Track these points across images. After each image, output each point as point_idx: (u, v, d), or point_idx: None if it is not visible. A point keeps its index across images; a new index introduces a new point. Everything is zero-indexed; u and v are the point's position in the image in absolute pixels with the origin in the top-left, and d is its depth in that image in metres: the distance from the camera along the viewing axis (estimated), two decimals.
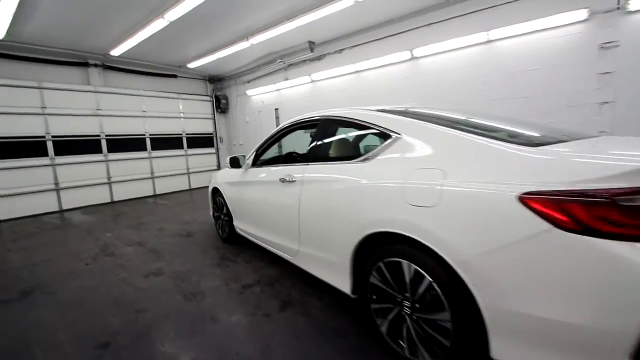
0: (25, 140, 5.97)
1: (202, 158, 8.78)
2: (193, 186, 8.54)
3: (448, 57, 5.14)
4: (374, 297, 1.65)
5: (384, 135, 1.73)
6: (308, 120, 2.43)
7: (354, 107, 2.11)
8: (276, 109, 7.94)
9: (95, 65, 6.91)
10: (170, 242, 3.82)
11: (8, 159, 5.78)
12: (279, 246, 2.47)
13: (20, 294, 2.64)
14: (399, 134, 1.63)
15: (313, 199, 2.01)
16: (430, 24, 5.18)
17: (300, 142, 3.46)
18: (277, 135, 2.77)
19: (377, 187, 1.57)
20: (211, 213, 3.94)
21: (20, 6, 4.24)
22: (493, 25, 4.61)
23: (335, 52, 6.46)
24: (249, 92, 8.30)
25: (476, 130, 1.47)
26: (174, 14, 4.64)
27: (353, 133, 2.28)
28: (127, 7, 4.62)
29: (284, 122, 2.73)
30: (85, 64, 6.79)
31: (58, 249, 3.84)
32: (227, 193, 3.28)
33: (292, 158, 3.21)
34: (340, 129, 2.24)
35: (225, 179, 3.37)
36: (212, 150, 9.11)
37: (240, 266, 2.94)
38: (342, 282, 1.84)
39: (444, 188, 1.29)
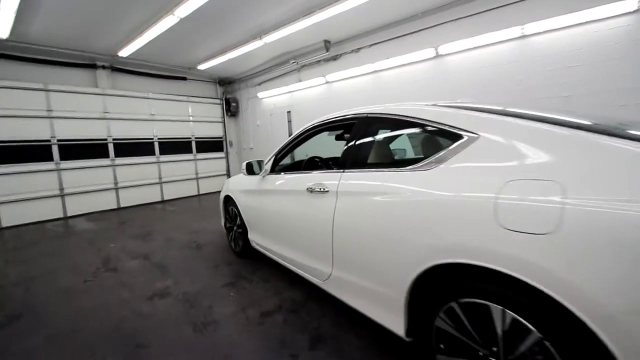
0: (30, 144, 5.73)
1: (211, 163, 8.49)
2: (202, 192, 8.24)
3: (477, 54, 4.75)
4: (442, 346, 1.27)
5: (450, 136, 1.35)
6: (339, 120, 2.07)
7: (400, 103, 1.75)
8: (288, 112, 7.62)
9: (103, 67, 6.68)
10: (178, 255, 3.48)
11: (12, 164, 5.54)
12: (305, 267, 2.10)
13: (8, 318, 2.32)
14: (475, 133, 1.25)
15: (353, 213, 1.64)
16: (457, 19, 4.81)
17: (322, 146, 3.12)
18: (300, 137, 2.42)
19: (452, 202, 1.19)
20: (223, 223, 3.60)
21: (23, 2, 4.00)
22: (528, 19, 4.22)
23: (352, 51, 6.12)
24: (260, 94, 8.01)
25: (589, 128, 1.09)
26: (184, 10, 4.36)
27: (403, 133, 1.91)
28: (136, 3, 4.35)
29: (308, 123, 2.37)
30: (93, 66, 6.56)
31: (58, 261, 3.53)
32: (242, 202, 2.93)
33: (314, 164, 2.85)
34: (382, 129, 1.88)
35: (239, 186, 3.02)
36: (222, 154, 8.82)
37: (257, 287, 2.57)
38: (392, 320, 1.46)
39: (566, 207, 0.91)
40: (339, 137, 2.76)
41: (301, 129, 2.43)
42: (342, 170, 1.82)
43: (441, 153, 1.34)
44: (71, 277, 3.02)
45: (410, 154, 2.19)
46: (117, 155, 6.79)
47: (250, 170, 2.61)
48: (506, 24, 4.38)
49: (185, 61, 7.00)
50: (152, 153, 7.33)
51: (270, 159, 2.62)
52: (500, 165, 1.11)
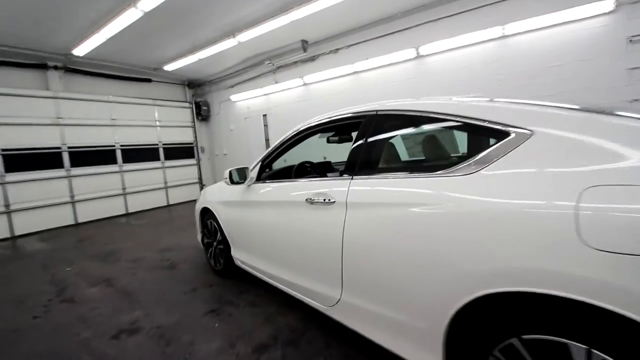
0: None
1: (181, 170, 7.92)
2: (172, 202, 7.65)
3: (459, 54, 4.71)
4: None
5: (491, 133, 1.14)
6: (340, 120, 1.81)
7: (423, 98, 1.52)
8: (264, 116, 7.27)
9: (56, 68, 6.01)
10: (148, 278, 3.05)
11: None
12: (304, 290, 1.80)
13: None
14: (526, 129, 1.04)
15: (371, 229, 1.37)
16: (438, 18, 4.74)
17: (310, 149, 2.84)
18: (292, 140, 2.13)
19: (513, 215, 0.95)
20: (199, 238, 3.21)
21: None
22: (509, 19, 4.22)
23: (331, 52, 5.92)
24: (233, 97, 7.60)
25: None
26: (148, 3, 3.93)
27: (424, 132, 1.68)
28: None
29: (301, 124, 2.09)
30: (44, 66, 5.87)
31: (1, 292, 2.97)
32: (223, 215, 2.58)
33: (305, 170, 2.57)
34: (397, 128, 1.64)
35: (219, 197, 2.67)
36: (193, 161, 8.27)
37: (245, 313, 2.24)
38: (425, 358, 1.21)
39: None
40: (332, 140, 2.51)
41: (292, 130, 2.15)
42: (350, 177, 1.55)
43: (481, 155, 1.11)
44: (18, 313, 2.52)
45: (423, 156, 1.96)
46: (73, 164, 6.10)
47: (235, 179, 2.27)
48: (487, 24, 4.36)
49: (150, 61, 6.46)
50: (114, 161, 6.69)
51: (255, 166, 2.31)
52: (572, 169, 0.90)
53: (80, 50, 5.44)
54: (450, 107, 1.30)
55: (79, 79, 6.35)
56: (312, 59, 6.16)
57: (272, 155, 2.25)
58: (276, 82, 6.75)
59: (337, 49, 5.83)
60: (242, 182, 2.25)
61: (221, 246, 2.73)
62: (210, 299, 2.48)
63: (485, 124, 1.15)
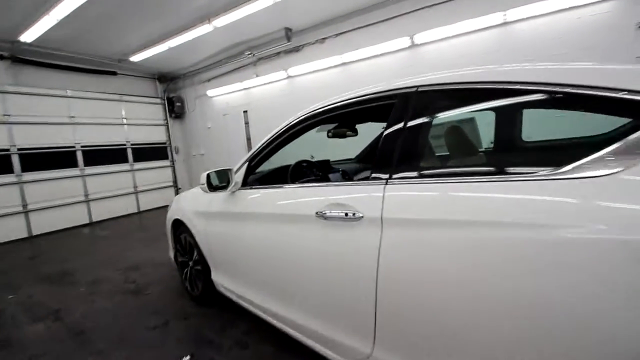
0: None
1: (153, 173, 7.22)
2: (143, 208, 6.94)
3: (457, 42, 4.37)
4: None
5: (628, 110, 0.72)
6: (358, 102, 1.36)
7: (474, 67, 1.09)
8: (245, 112, 6.71)
9: (1, 58, 5.20)
10: (108, 308, 2.48)
11: None
12: (318, 336, 1.33)
13: None
14: None
15: (425, 259, 0.93)
16: (434, 4, 4.38)
17: (293, 149, 2.38)
18: (287, 134, 1.65)
19: None
20: (172, 255, 2.66)
21: None
22: (511, 5, 3.92)
23: (317, 41, 5.45)
24: (210, 92, 6.98)
25: None
26: None
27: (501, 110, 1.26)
28: None
29: (300, 112, 1.62)
30: None
31: None
32: (200, 230, 2.07)
33: (301, 172, 2.10)
34: (454, 108, 1.20)
35: (195, 206, 2.15)
36: (167, 162, 7.58)
37: (232, 358, 1.74)
38: None
39: None
40: (335, 133, 2.06)
41: (287, 122, 1.67)
42: (383, 180, 1.10)
43: (626, 142, 0.69)
44: None
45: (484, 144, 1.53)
46: (25, 169, 5.32)
47: (214, 184, 1.75)
48: (487, 10, 4.04)
49: (113, 51, 5.75)
50: (74, 164, 5.93)
51: (241, 168, 1.81)
52: None
53: (29, 36, 4.70)
54: (552, 74, 0.88)
55: (30, 71, 5.55)
56: (297, 49, 5.67)
57: (262, 154, 1.77)
58: (257, 76, 6.21)
59: (324, 38, 5.37)
60: (225, 188, 1.74)
61: (198, 267, 2.21)
62: (186, 337, 1.96)
63: (622, 96, 0.73)
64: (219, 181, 1.76)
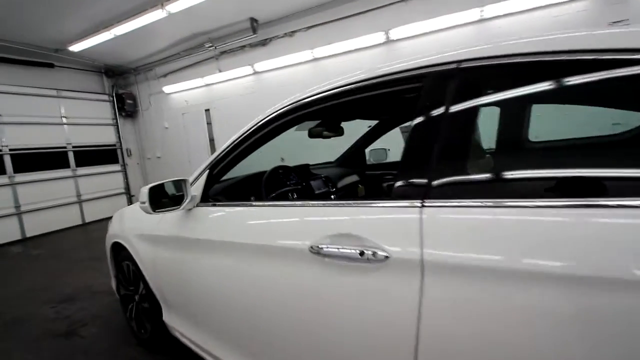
0: None
1: (101, 179, 6.37)
2: (89, 219, 6.09)
3: (433, 39, 4.18)
4: None
5: None
6: (363, 88, 0.98)
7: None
8: (207, 111, 6.13)
9: None
10: (28, 359, 1.90)
11: None
12: None
13: None
14: None
15: (499, 330, 0.58)
16: None
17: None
18: (261, 132, 1.24)
19: None
20: (114, 286, 2.13)
21: None
22: (488, 1, 3.80)
23: (286, 35, 5.05)
24: (166, 88, 6.30)
25: None
26: None
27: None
28: None
29: (280, 103, 1.22)
30: None
31: None
32: (146, 258, 1.58)
33: (279, 181, 1.70)
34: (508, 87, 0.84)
35: (138, 227, 1.66)
36: (117, 167, 6.75)
37: None
38: None
39: None
40: (320, 132, 1.69)
41: (262, 116, 1.26)
42: (416, 200, 0.73)
43: None
44: None
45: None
46: None
47: (159, 200, 1.29)
48: (464, 5, 3.89)
49: (48, 38, 4.93)
50: (2, 171, 5.01)
51: (199, 177, 1.37)
52: None
53: None
54: None
55: None
56: (264, 43, 5.22)
57: (228, 159, 1.34)
58: (220, 71, 5.67)
59: (294, 32, 4.98)
60: (177, 206, 1.29)
61: (146, 304, 1.72)
62: None
63: None
64: (169, 196, 1.30)
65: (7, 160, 5.07)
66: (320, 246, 0.83)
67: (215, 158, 1.37)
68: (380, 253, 0.73)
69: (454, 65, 0.77)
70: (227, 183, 1.65)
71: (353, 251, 0.76)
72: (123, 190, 6.81)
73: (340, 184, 2.18)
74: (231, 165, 1.39)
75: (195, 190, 1.37)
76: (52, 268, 3.65)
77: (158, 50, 5.74)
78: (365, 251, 0.74)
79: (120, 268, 1.94)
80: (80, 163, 6.01)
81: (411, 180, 0.76)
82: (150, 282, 1.60)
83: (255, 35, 5.04)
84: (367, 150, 2.55)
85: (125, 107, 6.65)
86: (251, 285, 1.06)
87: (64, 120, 5.85)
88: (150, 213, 1.21)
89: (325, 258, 0.82)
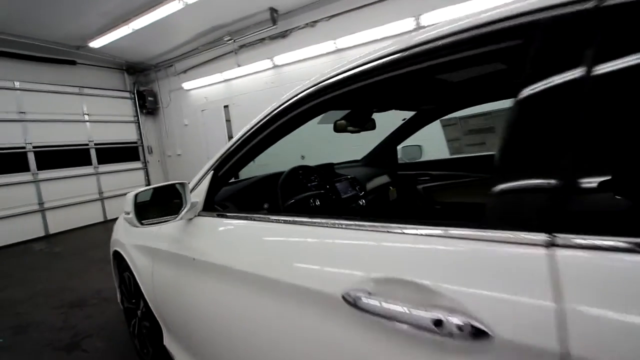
0: None
1: (122, 176, 6.37)
2: (111, 216, 6.10)
3: None
4: None
5: None
6: (423, 53, 0.65)
7: None
8: (226, 107, 5.97)
9: None
10: None
11: None
12: None
13: None
14: None
15: None
16: None
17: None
18: (278, 122, 0.97)
19: None
20: (118, 297, 1.94)
21: None
22: None
23: (307, 25, 4.77)
24: (185, 85, 6.19)
25: None
26: None
27: None
28: None
29: (302, 85, 0.94)
30: None
31: None
32: (144, 273, 1.36)
33: (300, 184, 1.43)
34: None
35: (135, 236, 1.43)
36: (138, 164, 6.74)
37: None
38: None
39: None
40: (341, 126, 1.41)
41: (278, 103, 0.99)
42: (543, 236, 0.41)
43: None
44: None
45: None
46: None
47: (150, 209, 1.03)
48: None
49: (69, 34, 4.90)
50: (26, 168, 5.06)
51: (202, 179, 1.13)
52: None
53: None
54: None
55: None
56: (284, 34, 4.97)
57: (236, 158, 1.08)
58: (239, 65, 5.48)
59: (315, 22, 4.70)
60: (170, 217, 1.04)
61: (147, 323, 1.51)
62: None
63: None
64: (162, 205, 1.06)
65: (31, 157, 5.11)
66: (358, 295, 0.54)
67: (221, 156, 1.11)
68: (476, 325, 0.43)
69: (591, 4, 0.46)
70: (237, 186, 1.40)
71: (421, 314, 0.47)
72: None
73: (369, 186, 1.88)
74: (241, 164, 1.12)
75: (197, 195, 1.12)
76: (69, 267, 3.58)
77: (177, 45, 5.62)
78: (444, 319, 0.44)
79: (122, 279, 1.74)
80: (102, 160, 6.02)
81: (526, 197, 0.46)
82: (149, 300, 1.37)
83: (275, 27, 4.80)
84: (399, 148, 2.23)
85: (147, 104, 6.61)
86: (262, 327, 0.79)
87: (86, 117, 5.87)
88: (137, 226, 0.97)
89: (366, 314, 0.54)
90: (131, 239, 1.48)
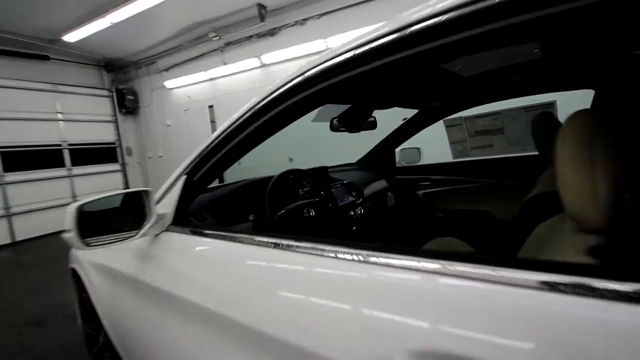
0: None
1: (98, 179, 6.00)
2: None
3: None
4: None
5: None
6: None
7: None
8: (210, 107, 5.72)
9: None
10: None
11: None
12: None
13: None
14: None
15: None
16: None
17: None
18: (266, 117, 0.78)
19: None
20: (79, 322, 1.69)
21: None
22: None
23: (297, 23, 4.60)
24: (168, 83, 5.90)
25: None
26: None
27: None
28: None
29: (300, 68, 0.76)
30: None
31: None
32: (103, 298, 1.13)
33: (292, 189, 1.24)
34: None
35: (95, 252, 1.21)
36: (116, 166, 6.38)
37: None
38: None
39: None
40: (338, 125, 1.24)
41: (264, 94, 0.81)
42: None
43: None
44: None
45: None
46: None
47: (98, 224, 0.81)
48: None
49: (40, 27, 4.56)
50: None
51: (171, 186, 0.92)
52: None
53: None
54: None
55: None
56: (272, 32, 4.78)
57: (215, 159, 0.88)
58: (225, 63, 5.24)
59: (305, 19, 4.53)
60: (127, 235, 0.83)
61: (108, 354, 1.27)
62: None
63: None
64: (118, 219, 0.85)
65: None
66: None
67: (196, 158, 0.91)
68: None
69: None
70: (218, 193, 1.19)
71: None
72: None
73: (366, 192, 1.71)
74: (220, 167, 0.93)
75: (166, 206, 0.91)
76: (34, 278, 3.26)
77: (159, 41, 5.34)
78: None
79: (82, 301, 1.50)
80: (76, 162, 5.65)
81: None
82: (108, 330, 1.14)
83: (263, 24, 4.60)
84: (397, 150, 2.07)
85: (126, 103, 6.27)
86: None
87: (60, 116, 5.50)
88: (80, 248, 0.75)
89: None
90: (89, 255, 1.24)
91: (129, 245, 0.96)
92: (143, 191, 0.86)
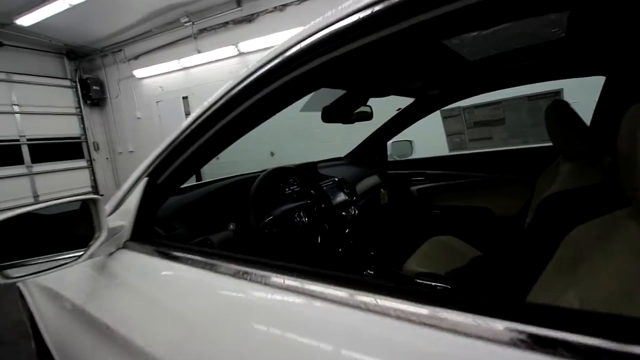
0: None
1: (63, 176, 5.55)
2: None
3: None
4: None
5: None
6: None
7: None
8: (185, 98, 5.38)
9: None
10: None
11: None
12: None
13: None
14: None
15: None
16: None
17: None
18: (245, 105, 0.61)
19: None
20: (33, 345, 1.46)
21: None
22: None
23: (275, 9, 4.36)
24: (137, 72, 5.50)
25: None
26: None
27: None
28: None
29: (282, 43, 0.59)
30: None
31: None
32: (51, 325, 0.93)
33: (280, 190, 1.07)
34: None
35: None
36: (82, 162, 5.93)
37: None
38: None
39: None
40: (331, 115, 1.08)
41: (241, 76, 0.63)
42: None
43: None
44: None
45: None
46: None
47: (32, 242, 0.62)
48: None
49: None
50: None
51: (130, 191, 0.73)
52: None
53: None
54: None
55: None
56: (250, 19, 4.51)
57: (183, 157, 0.70)
58: (199, 52, 4.92)
59: (285, 5, 4.30)
60: (69, 258, 0.64)
61: None
62: None
63: None
64: (57, 235, 0.66)
65: None
66: None
67: (159, 155, 0.73)
68: None
69: None
70: (192, 196, 1.01)
71: None
72: (90, 189, 6.00)
73: (359, 188, 1.56)
74: (191, 167, 0.75)
75: (123, 215, 0.72)
76: None
77: (127, 26, 4.94)
78: None
79: (34, 326, 1.27)
80: (37, 159, 5.18)
81: None
82: None
83: (239, 9, 4.33)
84: (388, 143, 1.93)
85: (91, 95, 5.81)
86: None
87: (16, 108, 5.00)
88: None
89: None
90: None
91: (77, 265, 0.77)
92: (91, 199, 0.67)
